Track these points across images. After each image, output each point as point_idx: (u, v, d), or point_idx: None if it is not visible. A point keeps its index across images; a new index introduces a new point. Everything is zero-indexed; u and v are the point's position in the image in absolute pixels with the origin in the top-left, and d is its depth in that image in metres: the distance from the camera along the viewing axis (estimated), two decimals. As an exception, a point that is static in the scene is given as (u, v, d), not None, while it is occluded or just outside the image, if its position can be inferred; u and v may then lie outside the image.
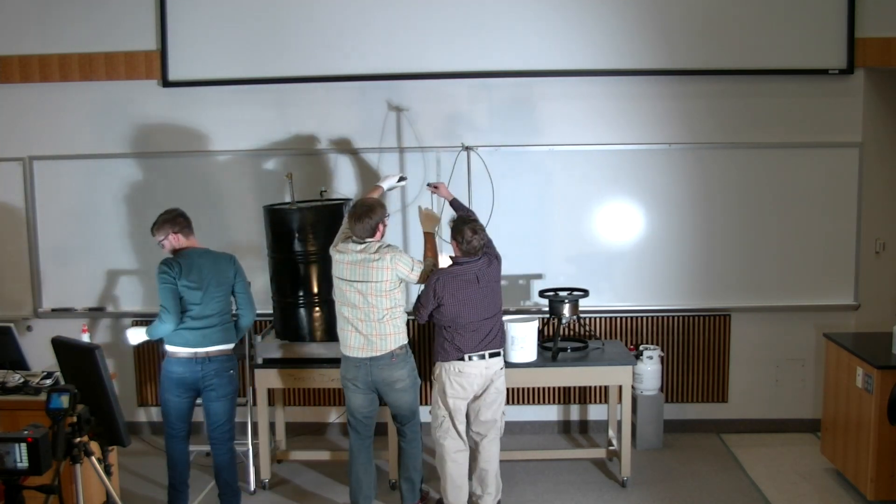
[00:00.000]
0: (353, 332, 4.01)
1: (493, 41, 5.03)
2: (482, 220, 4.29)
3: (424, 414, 4.44)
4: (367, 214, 3.95)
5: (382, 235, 4.05)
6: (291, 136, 5.19)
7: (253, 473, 4.64)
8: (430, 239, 4.25)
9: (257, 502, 4.54)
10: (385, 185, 4.42)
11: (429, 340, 5.10)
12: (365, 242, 3.97)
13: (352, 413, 4.14)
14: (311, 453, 5.12)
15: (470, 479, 4.21)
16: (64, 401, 2.94)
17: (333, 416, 5.49)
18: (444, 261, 4.20)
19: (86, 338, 4.16)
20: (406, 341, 4.09)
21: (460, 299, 3.96)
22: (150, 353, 5.03)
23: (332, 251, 4.04)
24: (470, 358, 4.00)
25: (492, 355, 4.05)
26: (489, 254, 4.10)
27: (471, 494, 4.21)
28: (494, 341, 4.06)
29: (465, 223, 4.01)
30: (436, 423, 4.11)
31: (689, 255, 5.20)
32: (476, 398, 4.11)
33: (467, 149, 4.93)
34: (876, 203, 5.23)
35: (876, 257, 5.30)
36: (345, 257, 3.96)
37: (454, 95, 5.13)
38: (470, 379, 4.02)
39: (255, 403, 4.65)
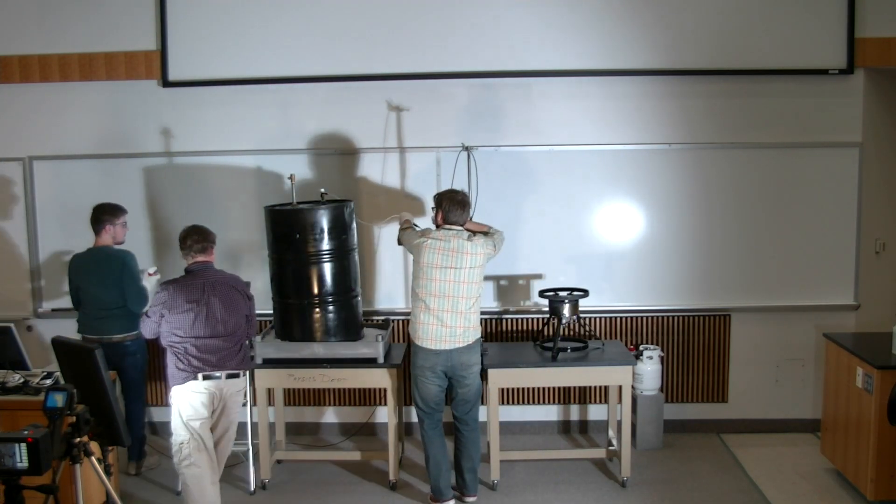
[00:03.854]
0: (436, 325, 4.14)
1: (493, 41, 5.03)
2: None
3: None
4: (467, 202, 4.27)
5: None
6: (291, 136, 5.19)
7: (253, 473, 4.64)
8: (475, 225, 4.46)
9: (257, 502, 4.54)
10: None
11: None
12: (456, 229, 4.18)
13: (425, 402, 4.26)
14: (311, 453, 5.13)
15: None
16: (59, 399, 2.94)
17: (333, 416, 5.48)
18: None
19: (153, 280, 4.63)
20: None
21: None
22: (149, 353, 5.01)
23: (420, 240, 4.18)
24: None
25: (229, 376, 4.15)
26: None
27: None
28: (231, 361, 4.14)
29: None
30: (176, 446, 4.06)
31: (689, 255, 5.20)
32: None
33: (467, 149, 4.92)
34: (876, 203, 5.23)
35: (876, 257, 5.30)
36: (439, 244, 4.13)
37: (454, 95, 5.12)
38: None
39: (254, 403, 4.64)
